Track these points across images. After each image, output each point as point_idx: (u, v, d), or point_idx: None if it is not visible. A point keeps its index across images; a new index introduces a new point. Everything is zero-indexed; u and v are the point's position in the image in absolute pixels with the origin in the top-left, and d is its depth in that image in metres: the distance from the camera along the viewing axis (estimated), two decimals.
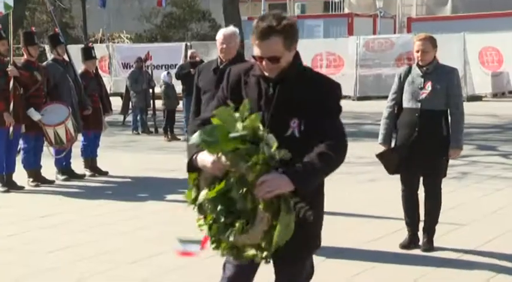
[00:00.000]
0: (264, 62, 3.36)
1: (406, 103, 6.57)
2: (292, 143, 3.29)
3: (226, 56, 6.55)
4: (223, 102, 3.50)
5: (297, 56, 3.46)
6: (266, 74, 3.40)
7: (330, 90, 3.44)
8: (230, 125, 3.14)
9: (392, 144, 6.75)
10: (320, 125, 3.34)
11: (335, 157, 3.32)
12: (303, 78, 3.42)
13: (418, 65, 6.57)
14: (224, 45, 6.50)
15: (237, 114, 3.18)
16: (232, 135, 3.11)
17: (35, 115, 9.88)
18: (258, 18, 3.37)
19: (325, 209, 8.08)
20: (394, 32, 34.98)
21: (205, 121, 3.36)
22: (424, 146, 6.44)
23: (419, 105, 6.49)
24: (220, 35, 6.55)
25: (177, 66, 18.27)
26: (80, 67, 11.51)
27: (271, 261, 3.36)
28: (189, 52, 17.87)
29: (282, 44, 3.32)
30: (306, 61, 26.90)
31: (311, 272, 3.68)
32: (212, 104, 3.67)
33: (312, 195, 3.32)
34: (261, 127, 3.18)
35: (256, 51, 3.35)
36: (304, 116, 3.35)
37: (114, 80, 27.51)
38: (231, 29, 6.74)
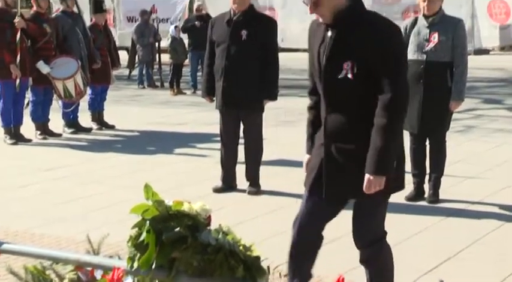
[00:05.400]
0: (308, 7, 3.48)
1: (411, 55, 6.51)
2: (346, 85, 3.45)
3: (239, 7, 6.53)
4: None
5: (354, 1, 3.50)
6: (321, 20, 3.53)
7: (387, 36, 3.46)
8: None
9: None
10: (376, 73, 3.41)
11: (395, 119, 3.41)
12: (361, 23, 3.46)
13: (424, 15, 6.51)
14: None
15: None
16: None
17: (44, 68, 9.85)
18: None
19: None
20: None
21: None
22: (429, 98, 6.43)
23: (424, 56, 6.45)
24: None
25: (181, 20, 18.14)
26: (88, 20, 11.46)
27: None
28: (195, 5, 17.73)
29: None
30: None
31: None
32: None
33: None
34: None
35: None
36: (359, 60, 3.42)
37: (119, 34, 27.29)
38: None
